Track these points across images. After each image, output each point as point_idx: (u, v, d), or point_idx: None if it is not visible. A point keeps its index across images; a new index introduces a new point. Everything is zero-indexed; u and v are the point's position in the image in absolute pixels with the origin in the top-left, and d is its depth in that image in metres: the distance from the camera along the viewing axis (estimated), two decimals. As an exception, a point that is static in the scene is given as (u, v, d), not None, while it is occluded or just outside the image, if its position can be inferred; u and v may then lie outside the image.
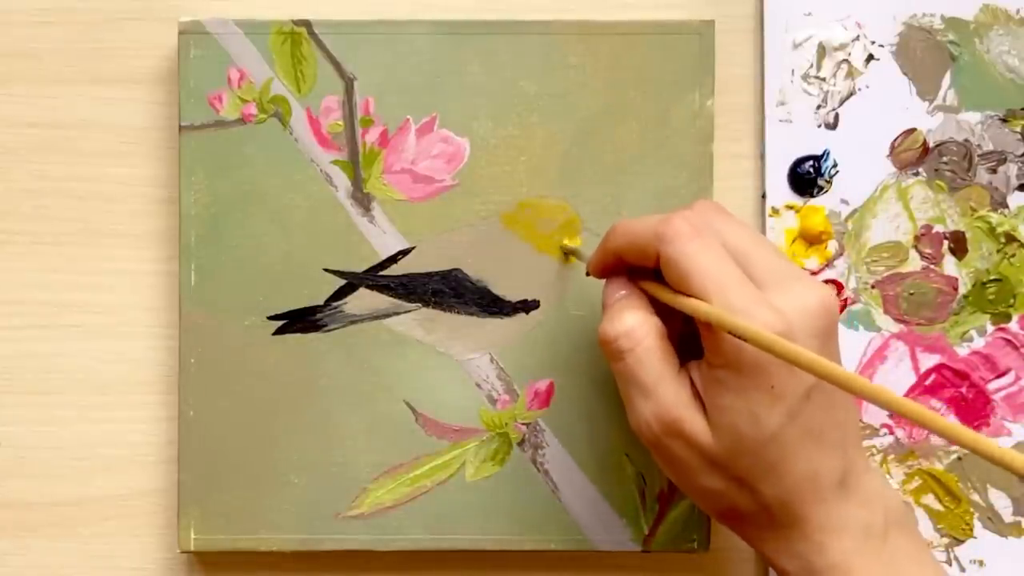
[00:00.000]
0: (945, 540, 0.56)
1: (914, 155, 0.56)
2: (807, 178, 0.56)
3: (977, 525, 0.56)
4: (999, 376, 0.56)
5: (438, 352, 0.56)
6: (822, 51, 0.56)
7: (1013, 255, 0.56)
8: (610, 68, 0.55)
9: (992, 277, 0.56)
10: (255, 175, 0.55)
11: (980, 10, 0.56)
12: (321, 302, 0.55)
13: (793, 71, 0.56)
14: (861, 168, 0.56)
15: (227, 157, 0.55)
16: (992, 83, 0.56)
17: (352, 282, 0.55)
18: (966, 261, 0.56)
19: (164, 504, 0.57)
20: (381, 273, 0.55)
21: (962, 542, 0.56)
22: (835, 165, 0.56)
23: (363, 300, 0.55)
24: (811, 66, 0.56)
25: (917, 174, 0.56)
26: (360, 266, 0.55)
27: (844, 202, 0.56)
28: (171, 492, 0.56)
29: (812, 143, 0.56)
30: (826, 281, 0.56)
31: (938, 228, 0.56)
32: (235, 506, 0.55)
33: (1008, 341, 0.56)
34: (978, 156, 0.56)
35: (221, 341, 0.55)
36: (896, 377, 0.56)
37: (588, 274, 0.52)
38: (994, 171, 0.56)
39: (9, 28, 0.57)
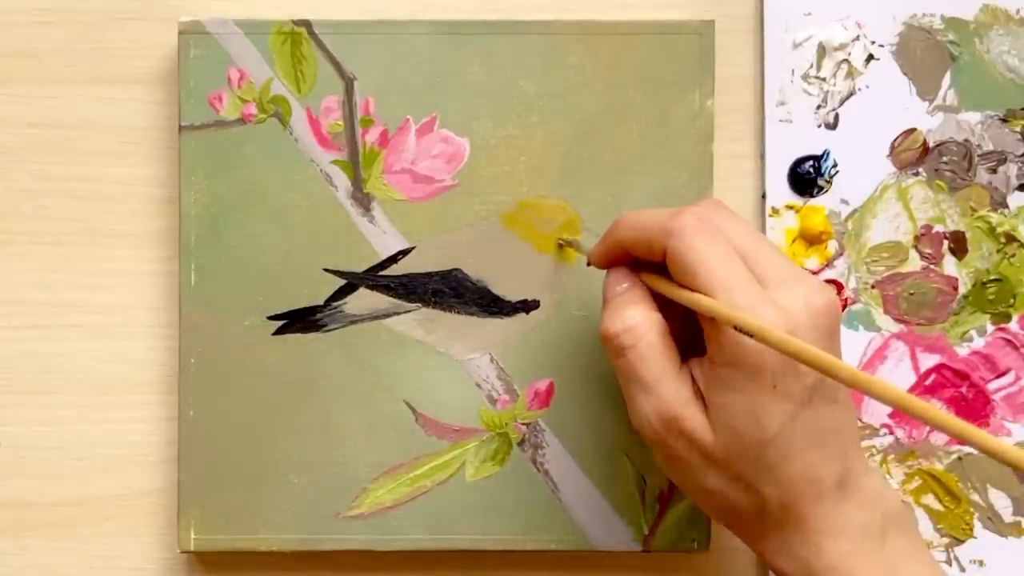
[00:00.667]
0: (945, 540, 0.56)
1: (914, 155, 0.56)
2: (807, 178, 0.56)
3: (977, 525, 0.56)
4: (999, 376, 0.56)
5: (438, 352, 0.56)
6: (822, 51, 0.56)
7: (1013, 255, 0.56)
8: (610, 68, 0.55)
9: (992, 277, 0.56)
10: (255, 175, 0.55)
11: (980, 10, 0.56)
12: (321, 302, 0.55)
13: (793, 71, 0.56)
14: (861, 168, 0.56)
15: (227, 157, 0.55)
16: (992, 83, 0.56)
17: (352, 282, 0.55)
18: (966, 261, 0.56)
19: (164, 504, 0.57)
20: (381, 273, 0.55)
21: (962, 542, 0.56)
22: (835, 165, 0.56)
23: (363, 300, 0.55)
24: (811, 66, 0.56)
25: (917, 174, 0.56)
26: (360, 266, 0.55)
27: (844, 202, 0.56)
28: (171, 492, 0.56)
29: (812, 143, 0.56)
30: (826, 281, 0.56)
31: (938, 228, 0.56)
32: (235, 506, 0.55)
33: (1008, 341, 0.56)
34: (978, 156, 0.56)
35: (221, 341, 0.55)
36: (896, 377, 0.56)
37: (589, 264, 0.52)
38: (994, 171, 0.56)
39: (9, 28, 0.57)
